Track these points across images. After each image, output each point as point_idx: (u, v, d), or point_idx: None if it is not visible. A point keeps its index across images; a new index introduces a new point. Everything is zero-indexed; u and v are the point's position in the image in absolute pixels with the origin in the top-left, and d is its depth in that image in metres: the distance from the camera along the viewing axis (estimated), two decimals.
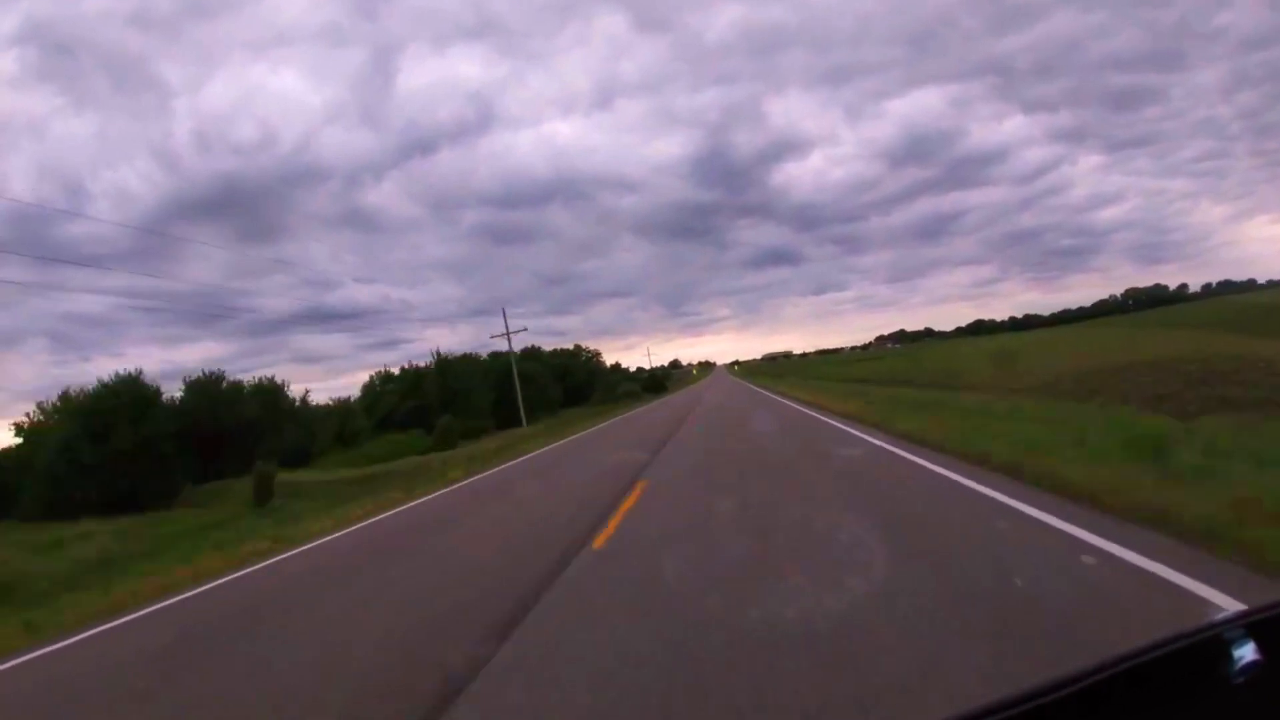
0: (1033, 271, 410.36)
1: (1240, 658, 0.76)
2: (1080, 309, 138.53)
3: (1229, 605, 4.32)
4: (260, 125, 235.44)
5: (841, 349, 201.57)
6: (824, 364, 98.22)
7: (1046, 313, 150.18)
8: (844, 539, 4.75)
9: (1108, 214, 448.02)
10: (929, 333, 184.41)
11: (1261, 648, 0.76)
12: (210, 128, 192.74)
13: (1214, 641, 0.77)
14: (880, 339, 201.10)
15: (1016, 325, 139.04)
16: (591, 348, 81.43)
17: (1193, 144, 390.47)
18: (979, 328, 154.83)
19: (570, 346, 78.19)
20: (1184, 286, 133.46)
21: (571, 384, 66.25)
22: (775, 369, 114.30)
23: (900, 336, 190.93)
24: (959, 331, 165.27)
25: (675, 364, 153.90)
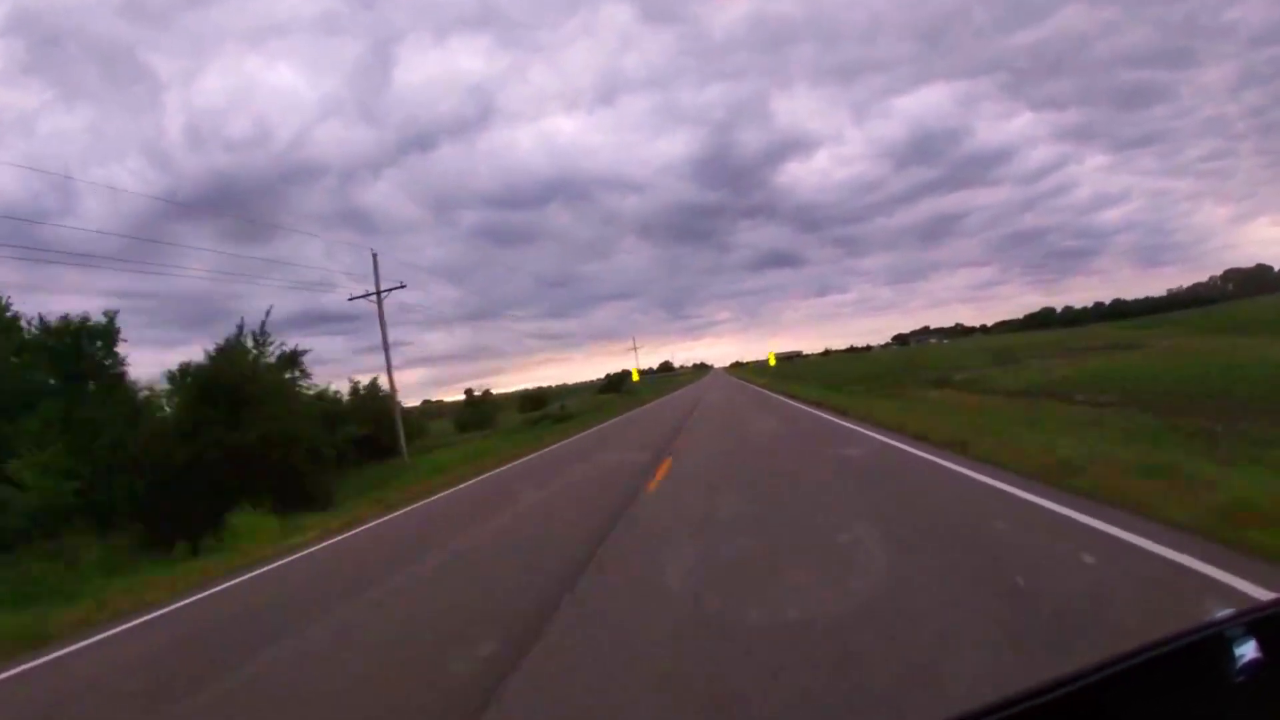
0: (1032, 274, 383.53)
1: (1242, 656, 0.76)
2: (1172, 293, 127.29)
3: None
4: (254, 120, 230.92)
5: (872, 347, 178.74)
6: (912, 364, 45.65)
7: (1130, 298, 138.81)
8: None
9: (1111, 215, 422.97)
10: (961, 329, 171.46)
11: (1263, 646, 0.76)
12: (203, 122, 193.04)
13: (1216, 640, 0.78)
14: (898, 337, 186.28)
15: (1101, 315, 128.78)
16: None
17: (1199, 143, 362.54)
18: (1048, 318, 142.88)
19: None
20: None
21: None
22: (814, 371, 65.09)
23: (925, 333, 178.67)
24: (1014, 324, 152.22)
25: (667, 366, 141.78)
